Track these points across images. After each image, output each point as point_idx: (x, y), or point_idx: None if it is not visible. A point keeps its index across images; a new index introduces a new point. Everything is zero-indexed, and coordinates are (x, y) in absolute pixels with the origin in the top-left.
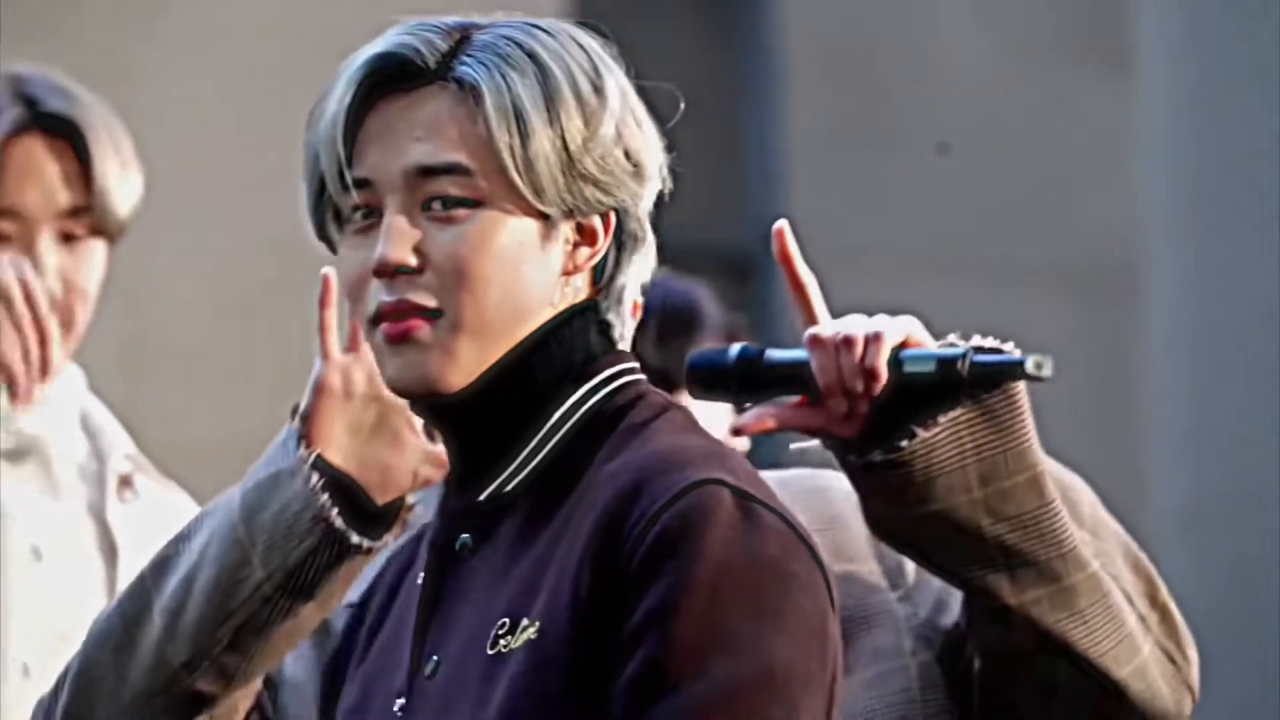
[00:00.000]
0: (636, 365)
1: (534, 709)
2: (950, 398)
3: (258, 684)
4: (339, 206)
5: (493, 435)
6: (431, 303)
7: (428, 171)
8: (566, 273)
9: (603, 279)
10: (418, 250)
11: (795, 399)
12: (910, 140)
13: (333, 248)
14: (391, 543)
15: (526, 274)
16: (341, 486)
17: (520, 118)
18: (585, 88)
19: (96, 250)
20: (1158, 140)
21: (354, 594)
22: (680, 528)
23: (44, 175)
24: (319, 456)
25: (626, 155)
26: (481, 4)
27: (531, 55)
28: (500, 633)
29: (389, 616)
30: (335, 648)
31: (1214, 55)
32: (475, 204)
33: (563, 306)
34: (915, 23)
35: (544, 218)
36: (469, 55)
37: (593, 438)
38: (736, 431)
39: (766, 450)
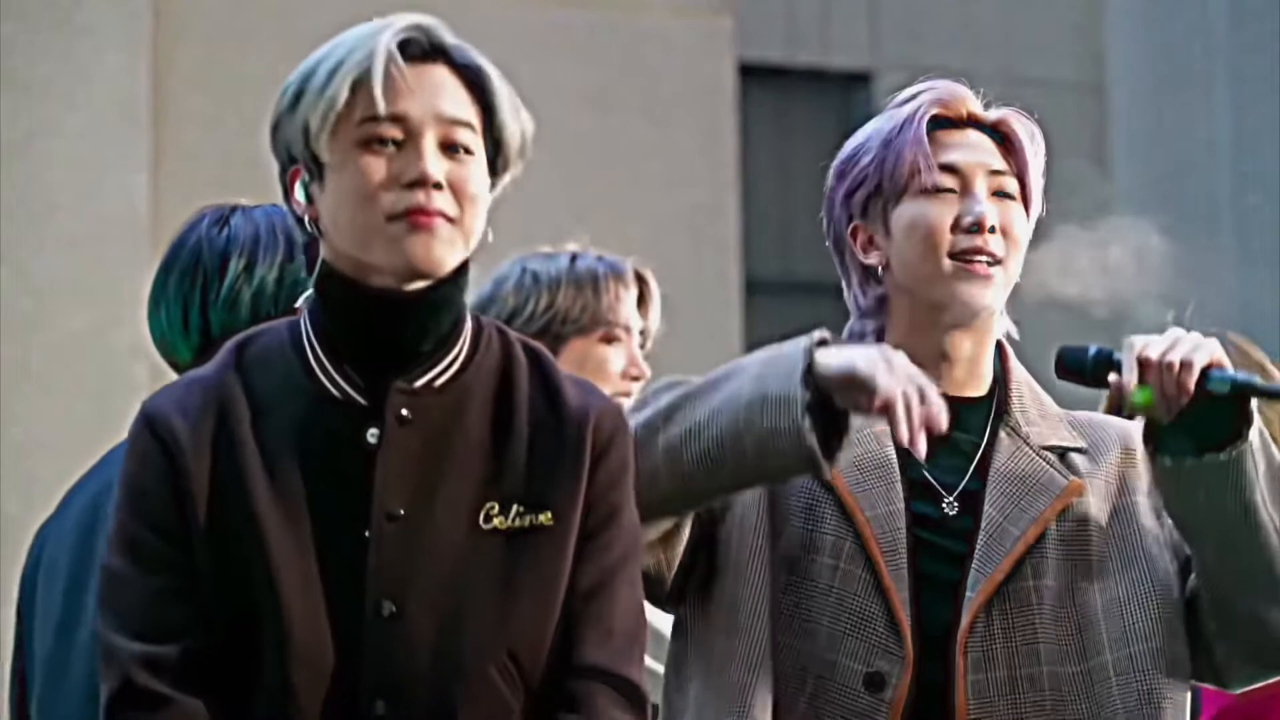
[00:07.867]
0: None
1: (559, 581)
2: (1238, 425)
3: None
4: (341, 128)
5: (438, 328)
6: (453, 213)
7: (453, 121)
8: None
9: None
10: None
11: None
12: None
13: (312, 152)
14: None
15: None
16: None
17: (509, 100)
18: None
19: None
20: None
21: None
22: (623, 453)
23: None
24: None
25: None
26: None
27: (488, 66)
28: (492, 512)
29: (245, 464)
30: (175, 481)
31: None
32: (470, 153)
33: None
34: None
35: (491, 177)
36: (460, 49)
37: (510, 362)
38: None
39: None
